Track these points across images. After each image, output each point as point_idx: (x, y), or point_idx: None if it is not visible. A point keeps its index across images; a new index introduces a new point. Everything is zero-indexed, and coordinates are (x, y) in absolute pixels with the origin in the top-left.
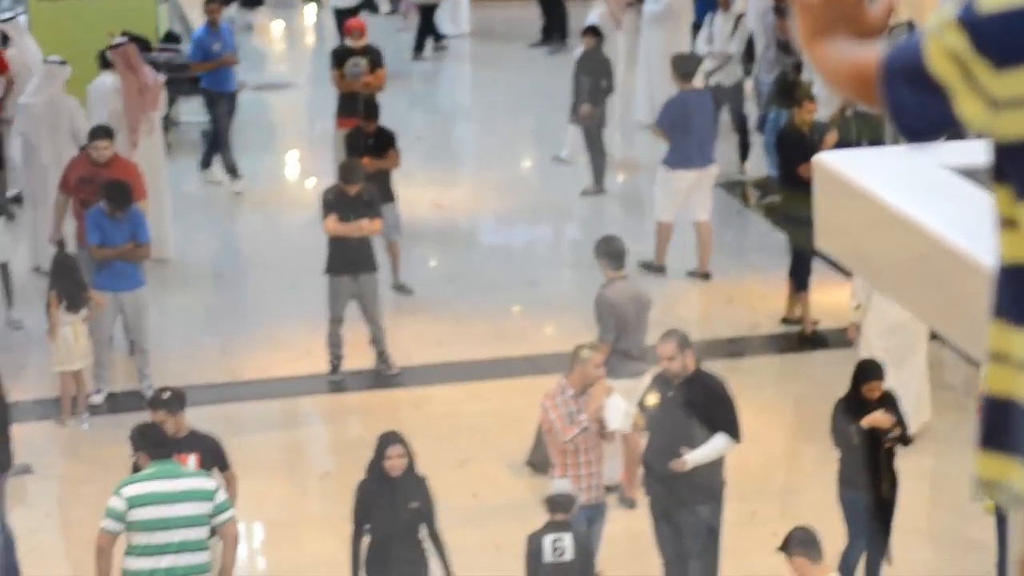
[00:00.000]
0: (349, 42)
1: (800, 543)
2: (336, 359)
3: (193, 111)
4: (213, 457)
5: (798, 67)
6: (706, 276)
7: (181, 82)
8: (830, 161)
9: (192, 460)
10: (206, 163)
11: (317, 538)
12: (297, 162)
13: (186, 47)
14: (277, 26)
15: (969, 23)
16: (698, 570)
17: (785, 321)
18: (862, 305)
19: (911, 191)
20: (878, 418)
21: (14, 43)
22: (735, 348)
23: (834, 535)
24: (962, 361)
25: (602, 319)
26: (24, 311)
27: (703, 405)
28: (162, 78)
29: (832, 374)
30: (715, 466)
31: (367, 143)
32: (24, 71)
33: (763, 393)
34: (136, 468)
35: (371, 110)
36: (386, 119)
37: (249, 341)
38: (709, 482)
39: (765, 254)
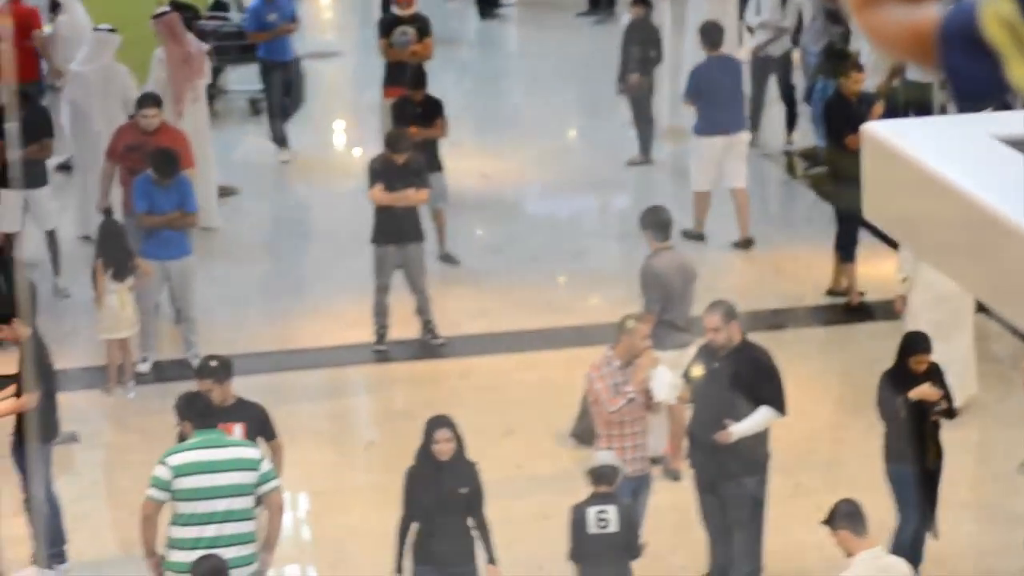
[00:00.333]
0: (397, 11)
1: (845, 516)
2: (382, 329)
3: (242, 80)
4: (259, 426)
5: (846, 37)
6: (748, 243)
7: (229, 50)
8: (878, 131)
9: (238, 429)
10: (278, 139)
11: (362, 508)
12: (344, 131)
13: (235, 15)
14: None
15: None
16: (742, 542)
17: (831, 293)
18: (909, 277)
19: (960, 161)
20: (926, 390)
21: (65, 10)
22: (780, 319)
23: (879, 508)
24: (1009, 333)
25: (648, 290)
26: (71, 279)
27: (748, 377)
28: (206, 47)
29: (878, 346)
30: (760, 438)
31: (414, 112)
32: (75, 39)
33: (808, 365)
34: (182, 437)
35: (418, 79)
36: (433, 88)
37: (295, 310)
38: (754, 454)
39: (812, 225)
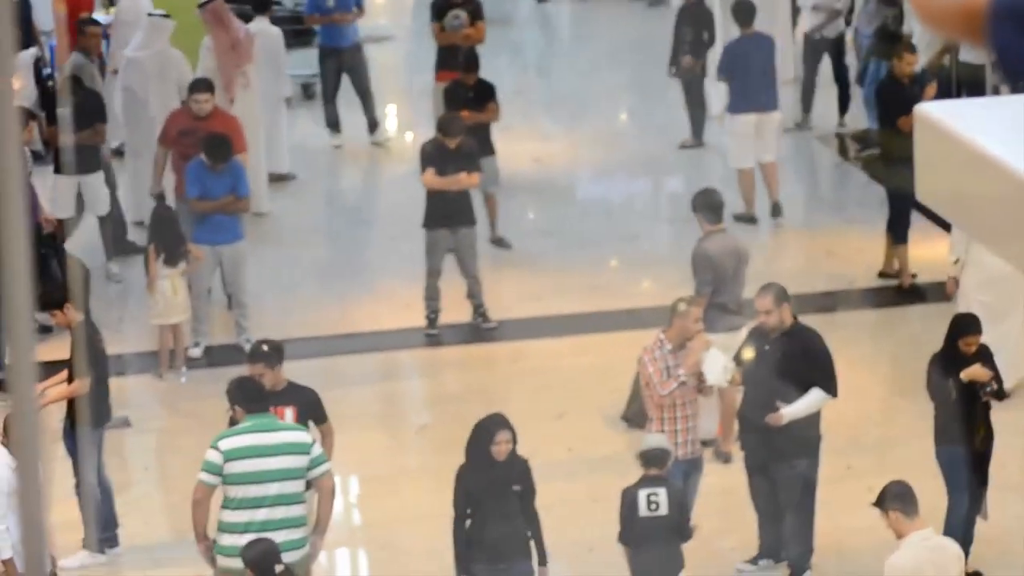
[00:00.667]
0: None
1: (895, 498)
2: (433, 313)
3: (295, 64)
4: (310, 410)
5: (899, 18)
6: (777, 209)
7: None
8: (931, 111)
9: (289, 413)
10: (332, 124)
11: (414, 491)
12: (396, 115)
13: (288, 1)
14: None
15: None
16: (793, 524)
17: (883, 275)
18: (961, 259)
19: (1013, 141)
20: (977, 371)
21: None
22: (832, 302)
23: (929, 490)
24: None
25: (699, 272)
26: (123, 264)
27: (799, 359)
28: (252, 31)
29: (929, 328)
30: (811, 420)
31: (467, 96)
32: (136, 24)
33: (860, 347)
34: (233, 421)
35: (471, 63)
36: (485, 71)
37: (347, 295)
38: (805, 436)
39: (864, 207)
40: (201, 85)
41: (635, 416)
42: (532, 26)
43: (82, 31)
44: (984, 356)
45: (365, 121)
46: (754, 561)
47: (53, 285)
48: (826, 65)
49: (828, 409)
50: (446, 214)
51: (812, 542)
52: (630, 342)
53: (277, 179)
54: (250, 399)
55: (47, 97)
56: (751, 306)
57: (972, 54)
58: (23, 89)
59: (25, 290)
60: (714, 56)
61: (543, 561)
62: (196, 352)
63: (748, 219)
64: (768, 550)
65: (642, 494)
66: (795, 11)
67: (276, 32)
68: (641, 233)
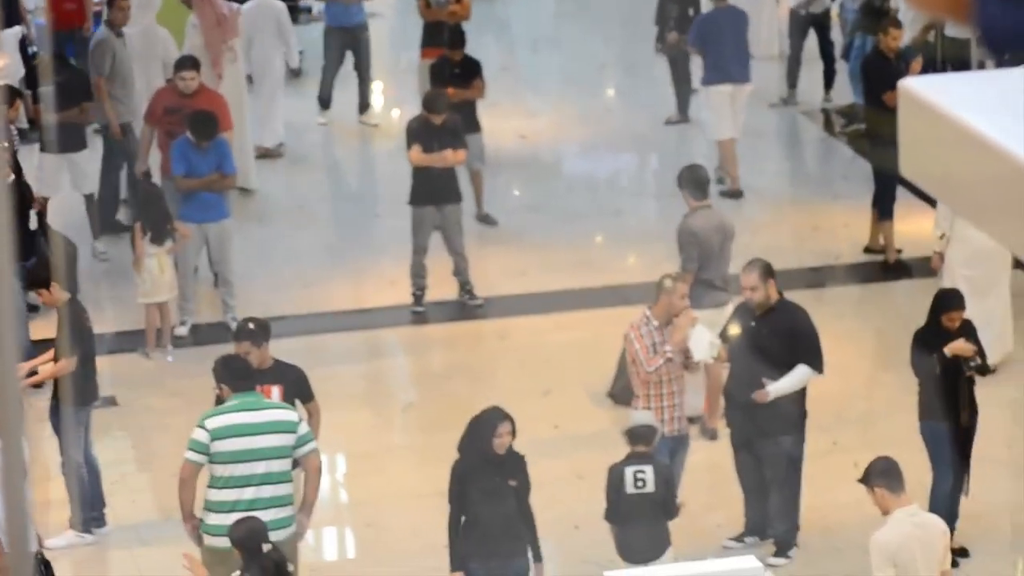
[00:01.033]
0: None
1: (881, 474)
2: (419, 290)
3: None
4: (297, 388)
5: None
6: (735, 194)
7: None
8: (915, 86)
9: (276, 392)
10: (323, 101)
11: (400, 469)
12: (382, 92)
13: None
14: None
15: None
16: (779, 500)
17: (868, 250)
18: (946, 234)
19: (997, 116)
20: (961, 346)
21: None
22: (818, 277)
23: (915, 466)
24: None
25: (685, 249)
26: (109, 242)
27: (785, 335)
28: (238, 6)
29: (915, 304)
30: (797, 397)
31: (452, 73)
32: None
33: (845, 323)
34: (220, 400)
35: (456, 39)
36: (471, 48)
37: (333, 272)
38: (790, 413)
39: (849, 182)
40: (187, 63)
41: (621, 393)
42: (518, 2)
43: (111, 4)
44: (968, 331)
45: (356, 100)
46: (740, 538)
47: (39, 264)
48: (812, 40)
49: (814, 385)
50: (432, 191)
51: (798, 518)
52: (616, 319)
53: (265, 154)
54: (237, 377)
55: (33, 75)
56: (737, 282)
57: (957, 30)
58: (8, 67)
59: (7, 269)
60: None
61: (538, 558)
62: (183, 331)
63: (734, 194)
64: (754, 527)
65: (629, 471)
66: None
67: (280, 5)
68: (627, 209)
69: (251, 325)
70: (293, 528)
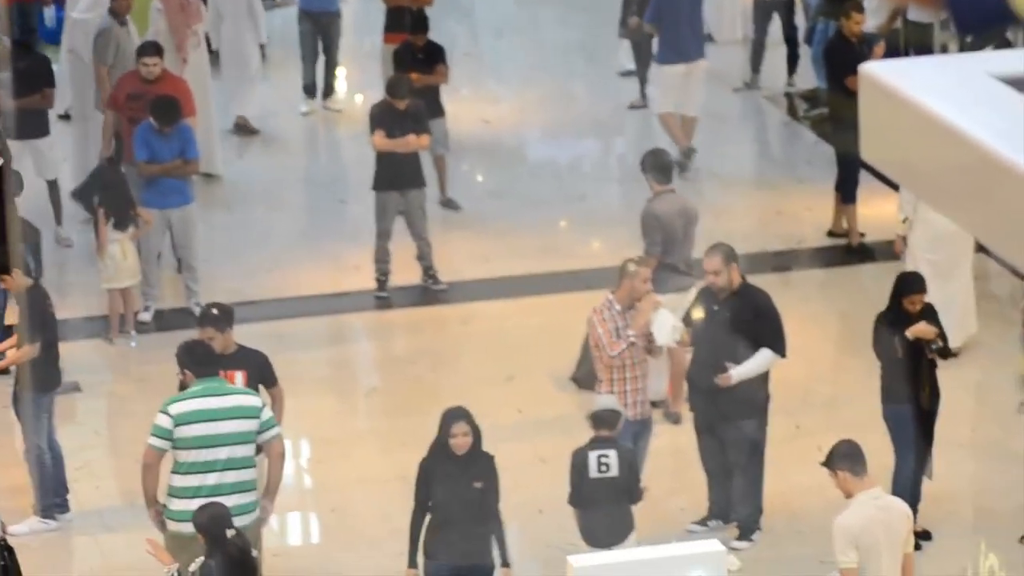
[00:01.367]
0: None
1: (844, 457)
2: (383, 275)
3: None
4: (260, 373)
5: None
6: (690, 153)
7: None
8: (876, 70)
9: (239, 377)
10: (308, 89)
11: (364, 454)
12: (345, 77)
13: None
14: None
15: None
16: (742, 484)
17: (832, 234)
18: (909, 218)
19: (958, 100)
20: (922, 329)
21: None
22: (781, 261)
23: (878, 449)
24: (1008, 272)
25: (649, 233)
26: (72, 229)
27: (748, 319)
28: None
29: (878, 287)
30: (760, 380)
31: (416, 58)
32: None
33: (809, 307)
34: (183, 385)
35: (420, 25)
36: (434, 34)
37: (297, 258)
38: (753, 396)
39: (812, 166)
40: (150, 49)
41: (585, 377)
42: None
43: None
44: (929, 314)
45: (320, 85)
46: (704, 522)
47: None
48: (775, 25)
49: (777, 368)
50: (396, 176)
51: (761, 502)
52: (580, 303)
53: (245, 131)
54: (200, 363)
55: None
56: (700, 266)
57: (920, 15)
58: None
59: None
60: None
61: (506, 562)
62: (146, 316)
63: (683, 163)
64: (718, 510)
65: (592, 455)
66: None
67: None
68: (590, 194)
69: (215, 311)
70: (257, 514)
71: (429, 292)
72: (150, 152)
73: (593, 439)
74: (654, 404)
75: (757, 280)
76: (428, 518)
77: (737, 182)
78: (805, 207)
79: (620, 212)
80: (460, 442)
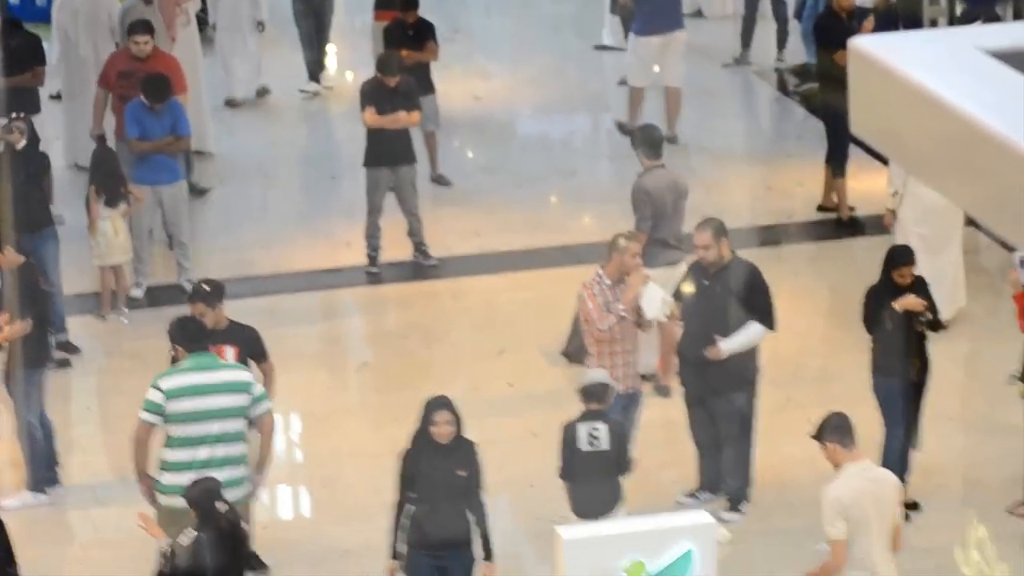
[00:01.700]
0: None
1: (834, 429)
2: (374, 251)
3: None
4: (251, 348)
5: None
6: (673, 140)
7: None
8: (865, 45)
9: (230, 352)
10: (312, 71)
11: (355, 429)
12: (335, 55)
13: None
14: None
15: None
16: (732, 457)
17: (822, 208)
18: (899, 192)
19: (945, 74)
20: (911, 301)
21: None
22: (771, 235)
23: (868, 421)
24: (997, 246)
25: (639, 208)
26: (63, 206)
27: (738, 293)
28: None
29: (868, 261)
30: (750, 354)
31: (406, 35)
32: None
33: (799, 280)
34: (174, 361)
35: (410, 2)
36: (424, 10)
37: (288, 233)
38: (743, 369)
39: (802, 141)
40: (140, 27)
41: (575, 351)
42: None
43: None
44: (920, 287)
45: (299, 60)
46: (694, 494)
47: None
48: (765, 0)
49: (767, 342)
50: (386, 152)
51: (751, 474)
52: (570, 278)
53: (261, 92)
54: (191, 338)
55: None
56: (690, 241)
57: None
58: None
59: None
60: None
61: (488, 555)
62: (137, 292)
63: (625, 131)
64: (708, 483)
65: (583, 429)
66: None
67: None
68: (581, 169)
69: (205, 286)
70: (248, 487)
71: (420, 267)
72: (141, 129)
73: (584, 413)
74: (644, 378)
75: (747, 254)
76: (412, 508)
77: (727, 157)
78: (795, 181)
79: (610, 187)
80: (443, 431)
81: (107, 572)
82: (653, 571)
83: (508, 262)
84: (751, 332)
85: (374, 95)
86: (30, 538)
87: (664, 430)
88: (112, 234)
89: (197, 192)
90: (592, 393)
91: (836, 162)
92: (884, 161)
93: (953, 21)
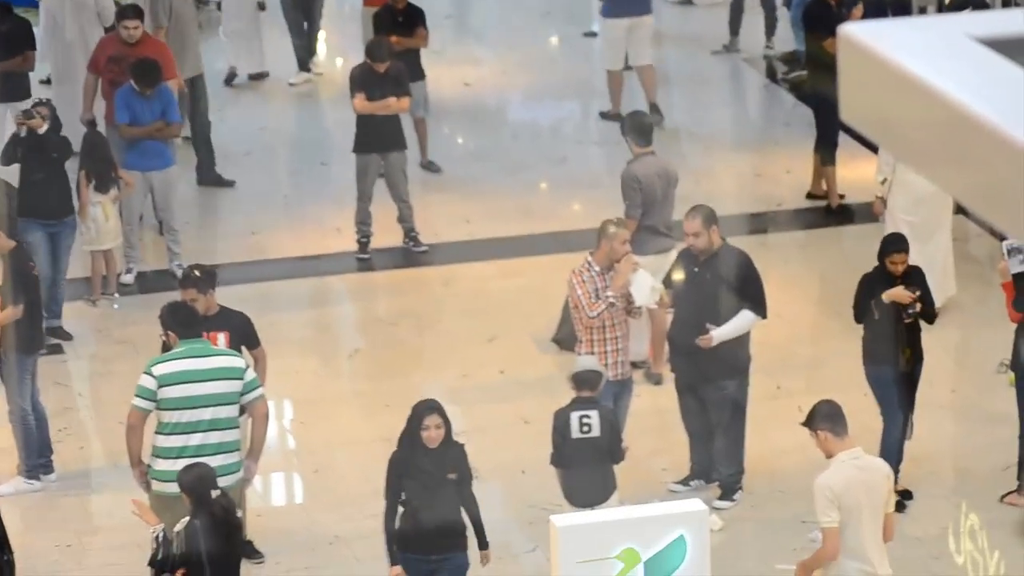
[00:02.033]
0: None
1: (825, 417)
2: (365, 237)
3: None
4: (243, 335)
5: None
6: (654, 109)
7: None
8: (855, 32)
9: (222, 338)
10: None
11: (346, 415)
12: (325, 41)
13: None
14: None
15: None
16: (723, 445)
17: (811, 196)
18: (888, 179)
19: (935, 61)
20: (898, 292)
21: None
22: (761, 223)
23: (859, 409)
24: (987, 233)
25: (628, 195)
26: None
27: (729, 281)
28: None
29: (857, 248)
30: (741, 341)
31: (396, 21)
32: None
33: (789, 268)
34: (166, 347)
35: None
36: None
37: (279, 220)
38: (734, 357)
39: (791, 129)
40: (130, 12)
41: (566, 338)
42: None
43: None
44: (915, 277)
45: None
46: (686, 482)
47: None
48: None
49: (758, 330)
50: (376, 138)
51: (742, 462)
52: (561, 265)
53: (257, 77)
54: (183, 324)
55: None
56: (680, 228)
57: None
58: None
59: None
60: None
61: (483, 544)
62: (128, 278)
63: (613, 117)
64: (699, 471)
65: (574, 416)
66: None
67: None
68: (571, 156)
69: (197, 272)
70: (241, 474)
71: (410, 254)
72: (131, 115)
73: (575, 400)
74: (635, 365)
75: (736, 242)
76: (401, 511)
77: (716, 145)
78: (784, 169)
79: (600, 174)
80: (433, 435)
81: (101, 559)
82: (646, 559)
83: (498, 249)
84: (742, 320)
85: (364, 81)
86: (24, 525)
87: (656, 418)
88: (103, 219)
89: (225, 184)
90: (583, 380)
91: (825, 150)
92: (873, 149)
93: (942, 8)
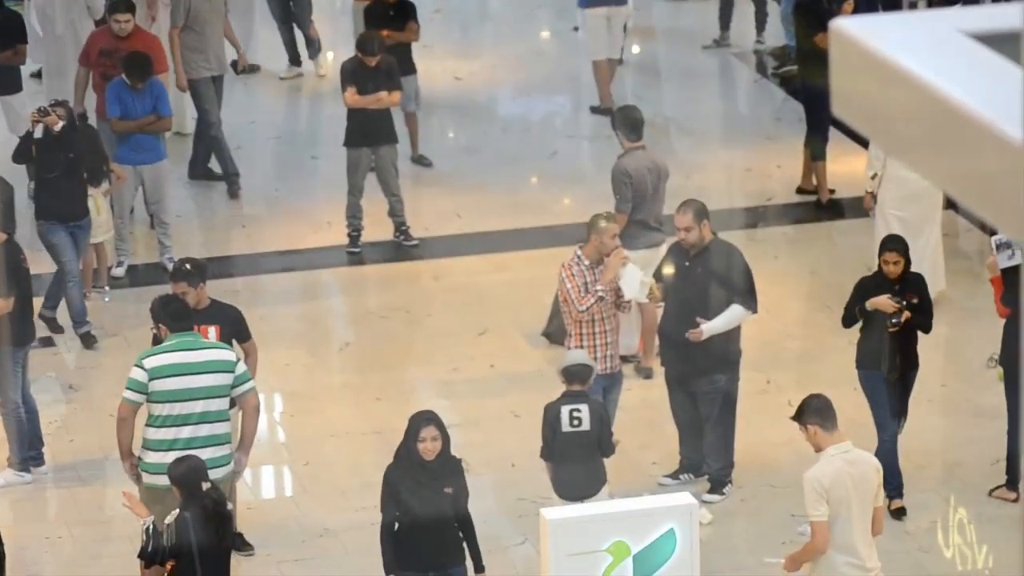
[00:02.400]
0: None
1: (814, 412)
2: (355, 231)
3: None
4: (233, 328)
5: None
6: (607, 111)
7: None
8: (846, 27)
9: (213, 331)
10: (292, 55)
11: (337, 408)
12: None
13: None
14: None
15: None
16: (713, 439)
17: (801, 191)
18: (878, 174)
19: (927, 56)
20: (882, 301)
21: None
22: (751, 218)
23: (848, 404)
24: (977, 229)
25: (619, 189)
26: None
27: (719, 275)
28: None
29: (847, 243)
30: (731, 336)
31: (387, 15)
32: None
33: (779, 263)
34: (157, 340)
35: None
36: None
37: (269, 213)
38: (725, 352)
39: (781, 123)
40: (121, 5)
41: (556, 332)
42: None
43: None
44: (913, 284)
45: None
46: (675, 475)
47: None
48: None
49: (748, 324)
50: (367, 132)
51: (732, 456)
52: (551, 259)
53: (251, 70)
54: (174, 317)
55: None
56: (671, 222)
57: None
58: None
59: None
60: None
61: (479, 568)
62: (119, 271)
63: (604, 111)
64: (689, 464)
65: (564, 410)
66: None
67: None
68: (561, 150)
69: (188, 265)
70: (231, 466)
71: (401, 248)
72: (123, 108)
73: (565, 393)
74: (626, 359)
75: (727, 237)
76: (397, 527)
77: (707, 139)
78: (774, 164)
79: (591, 169)
80: (429, 447)
81: (91, 551)
82: (636, 552)
83: (489, 243)
84: (732, 314)
85: (355, 75)
86: (15, 517)
87: (646, 411)
88: (94, 213)
89: (215, 179)
90: (573, 374)
91: (815, 144)
92: (864, 143)
93: (933, 3)
